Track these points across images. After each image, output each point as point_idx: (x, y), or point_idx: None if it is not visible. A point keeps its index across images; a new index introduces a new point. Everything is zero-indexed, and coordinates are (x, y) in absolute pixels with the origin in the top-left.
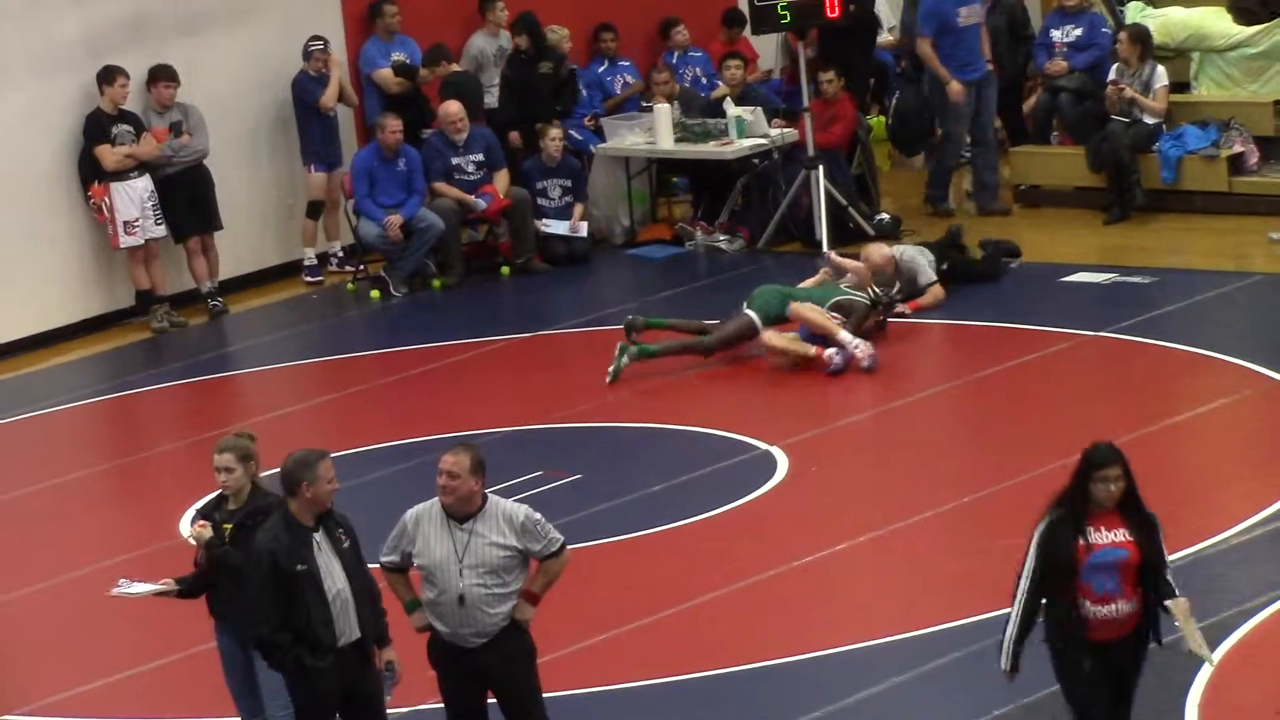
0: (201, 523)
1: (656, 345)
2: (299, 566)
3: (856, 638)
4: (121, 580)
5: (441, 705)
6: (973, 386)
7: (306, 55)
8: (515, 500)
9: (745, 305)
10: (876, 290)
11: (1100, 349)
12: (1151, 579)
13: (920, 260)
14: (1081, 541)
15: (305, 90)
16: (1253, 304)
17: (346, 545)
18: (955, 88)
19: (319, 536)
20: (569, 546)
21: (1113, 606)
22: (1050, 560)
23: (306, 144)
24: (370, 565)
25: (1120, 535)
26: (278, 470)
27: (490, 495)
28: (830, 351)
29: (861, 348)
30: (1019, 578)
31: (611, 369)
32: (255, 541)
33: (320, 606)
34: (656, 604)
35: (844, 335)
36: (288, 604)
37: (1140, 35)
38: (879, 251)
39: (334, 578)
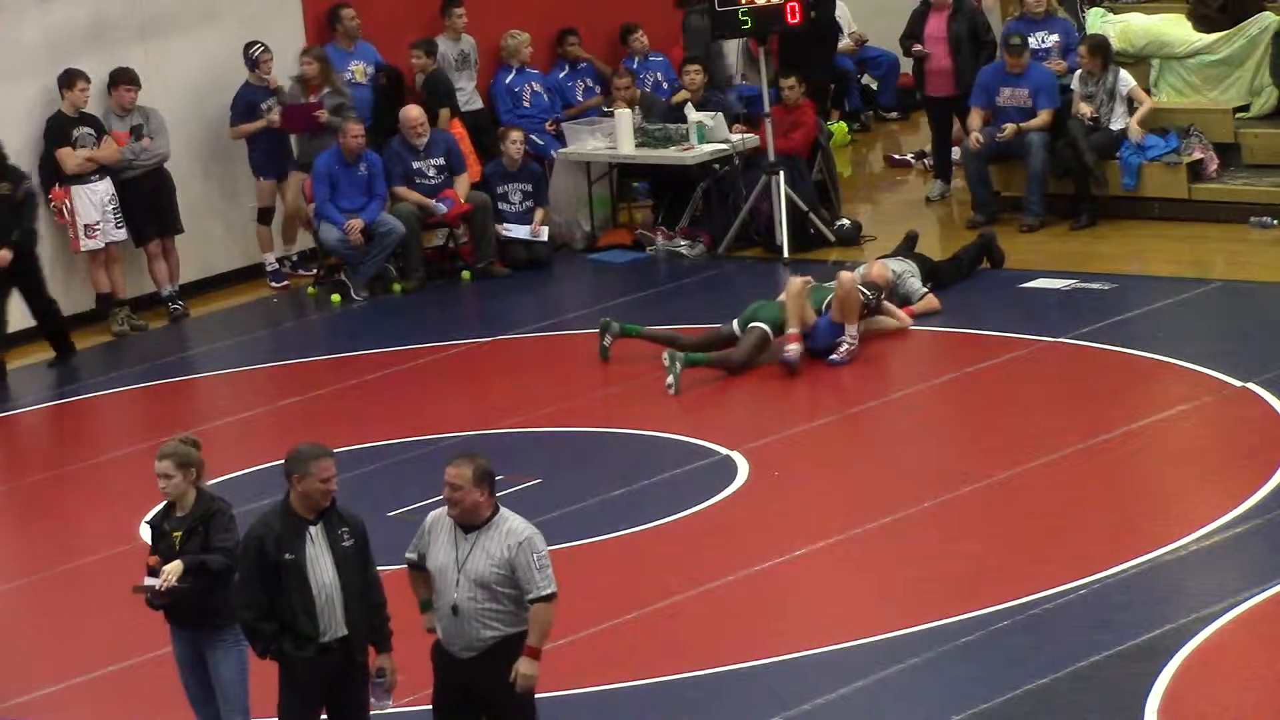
0: (165, 571)
1: (700, 356)
2: (286, 556)
3: (816, 643)
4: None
5: (423, 708)
6: (933, 392)
7: (252, 64)
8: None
9: (740, 322)
10: (866, 293)
11: (1060, 355)
12: None
13: (911, 282)
14: None
15: (247, 103)
16: (1212, 310)
17: (348, 545)
18: (1008, 132)
19: (315, 530)
20: None
21: None
22: None
23: (250, 155)
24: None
25: None
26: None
27: (503, 508)
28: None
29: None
30: None
31: (670, 382)
32: (248, 527)
33: (304, 598)
34: (615, 609)
35: (849, 329)
36: (274, 592)
37: (1099, 45)
38: (880, 274)
39: (322, 572)
